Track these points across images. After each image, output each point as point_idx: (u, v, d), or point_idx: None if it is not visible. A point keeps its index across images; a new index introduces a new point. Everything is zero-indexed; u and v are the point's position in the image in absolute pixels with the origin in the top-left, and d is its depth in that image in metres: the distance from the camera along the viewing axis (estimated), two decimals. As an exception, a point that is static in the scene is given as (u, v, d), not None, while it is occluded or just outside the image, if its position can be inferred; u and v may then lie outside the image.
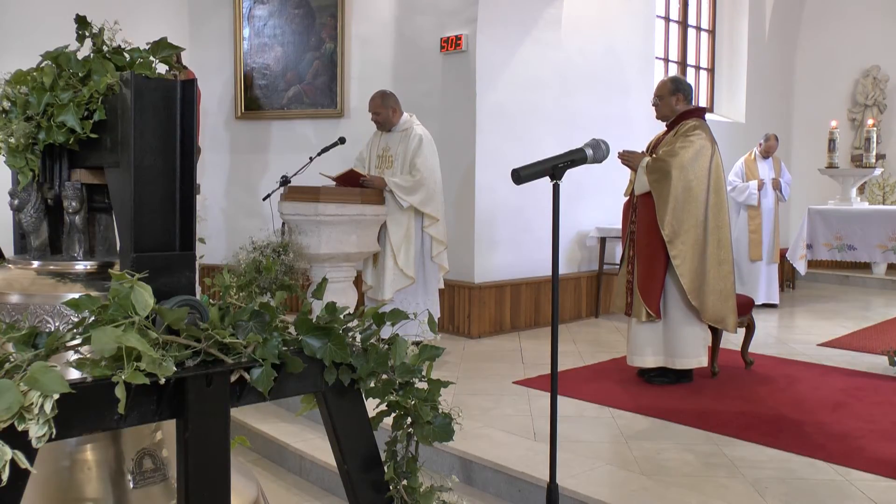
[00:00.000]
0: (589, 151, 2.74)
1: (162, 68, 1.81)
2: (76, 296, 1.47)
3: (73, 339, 1.41)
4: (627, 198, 4.91)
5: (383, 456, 1.79)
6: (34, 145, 1.76)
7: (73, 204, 1.80)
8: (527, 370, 5.12)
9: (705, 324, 4.66)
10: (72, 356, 1.42)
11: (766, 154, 7.78)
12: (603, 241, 7.22)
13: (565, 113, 6.93)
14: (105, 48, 1.77)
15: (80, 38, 1.78)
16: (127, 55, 1.77)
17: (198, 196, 1.77)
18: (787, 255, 8.12)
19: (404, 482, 1.79)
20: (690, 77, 9.58)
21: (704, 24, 9.89)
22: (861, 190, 9.67)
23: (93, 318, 1.41)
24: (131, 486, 1.68)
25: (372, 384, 1.73)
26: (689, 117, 4.71)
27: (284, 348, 1.59)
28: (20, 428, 1.25)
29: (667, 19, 9.26)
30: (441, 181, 5.31)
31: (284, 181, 5.26)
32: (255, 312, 1.58)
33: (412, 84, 6.54)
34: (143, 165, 1.59)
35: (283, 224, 5.20)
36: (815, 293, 8.93)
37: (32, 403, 1.25)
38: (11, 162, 1.78)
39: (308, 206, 4.79)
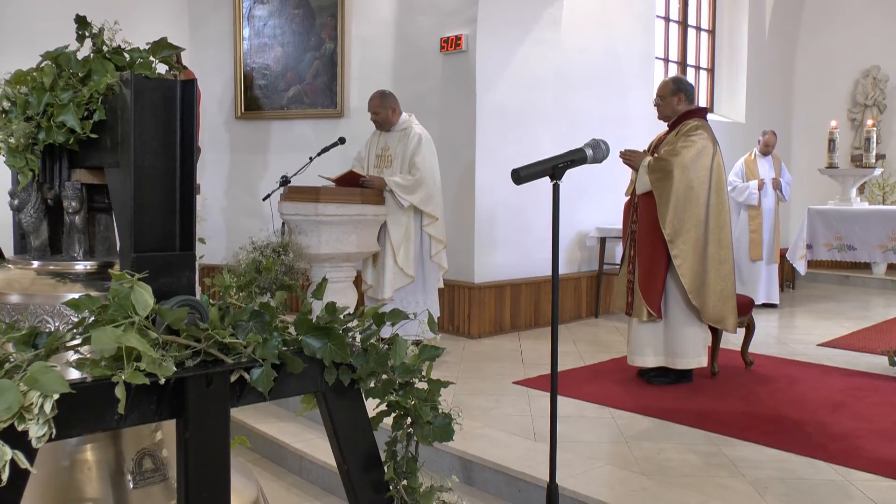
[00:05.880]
0: (589, 151, 2.74)
1: (162, 68, 1.80)
2: (76, 296, 1.47)
3: (73, 339, 1.41)
4: (628, 197, 4.91)
5: (383, 456, 1.79)
6: (34, 145, 1.76)
7: (73, 204, 1.80)
8: (527, 370, 5.12)
9: (705, 324, 4.67)
10: (72, 356, 1.42)
11: (766, 151, 7.78)
12: (603, 241, 7.21)
13: (565, 113, 6.93)
14: (105, 48, 1.76)
15: (80, 39, 1.78)
16: (127, 55, 1.77)
17: (198, 196, 1.77)
18: (787, 256, 8.12)
19: (404, 482, 1.79)
20: (690, 77, 9.58)
21: (704, 24, 9.88)
22: (861, 190, 9.67)
23: (93, 318, 1.41)
24: (131, 486, 1.68)
25: (372, 384, 1.73)
26: (690, 117, 4.71)
27: (284, 348, 1.59)
28: (20, 428, 1.25)
29: (667, 19, 9.26)
30: (440, 181, 5.32)
31: (284, 181, 5.27)
32: (255, 312, 1.58)
33: (412, 84, 6.54)
34: (143, 165, 1.58)
35: (283, 224, 5.20)
36: (815, 293, 8.93)
37: (32, 403, 1.25)
38: (11, 162, 1.78)
39: (308, 206, 4.79)
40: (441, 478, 1.93)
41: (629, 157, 4.75)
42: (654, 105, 4.87)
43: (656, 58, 8.65)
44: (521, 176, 2.66)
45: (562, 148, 2.99)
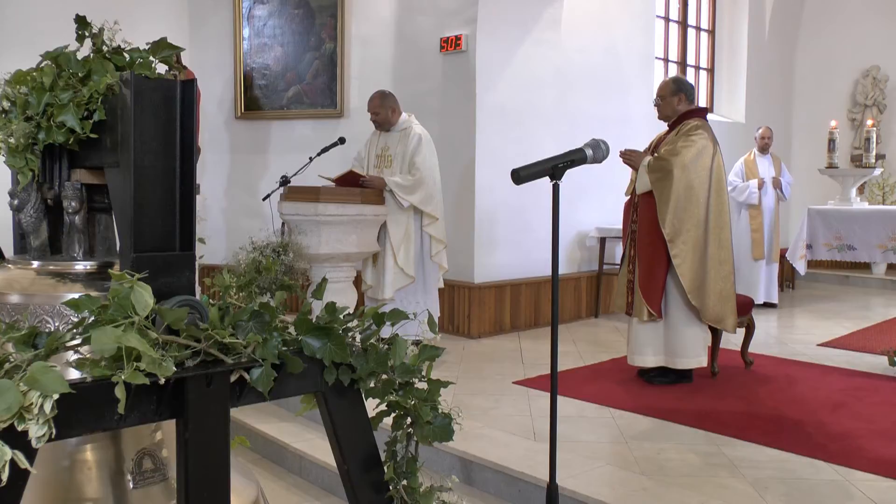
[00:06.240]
0: (589, 151, 2.74)
1: (162, 68, 1.80)
2: (76, 296, 1.47)
3: (73, 339, 1.41)
4: (628, 197, 4.91)
5: (383, 456, 1.79)
6: (34, 145, 1.76)
7: (73, 204, 1.80)
8: (527, 370, 5.12)
9: (705, 324, 4.67)
10: (72, 356, 1.42)
11: (763, 145, 7.78)
12: (603, 241, 7.21)
13: (565, 113, 6.93)
14: (105, 48, 1.77)
15: (80, 38, 1.78)
16: (127, 55, 1.77)
17: (198, 196, 1.77)
18: (786, 256, 8.12)
19: (404, 482, 1.79)
20: (690, 77, 9.57)
21: (704, 24, 9.88)
22: (861, 190, 9.67)
23: (93, 318, 1.41)
24: (131, 486, 1.68)
25: (372, 384, 1.73)
26: (691, 117, 4.71)
27: (284, 348, 1.59)
28: (20, 428, 1.25)
29: (667, 19, 9.26)
30: (440, 181, 5.32)
31: (284, 181, 5.27)
32: (255, 312, 1.58)
33: (412, 84, 6.54)
34: (143, 165, 1.59)
35: (283, 224, 5.20)
36: (815, 293, 8.93)
37: (32, 403, 1.25)
38: (11, 162, 1.78)
39: (308, 206, 4.79)
40: (441, 478, 1.93)
41: (629, 157, 4.75)
42: (655, 105, 4.87)
43: (656, 58, 8.65)
44: (521, 176, 2.66)
45: (562, 148, 2.99)
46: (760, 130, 7.83)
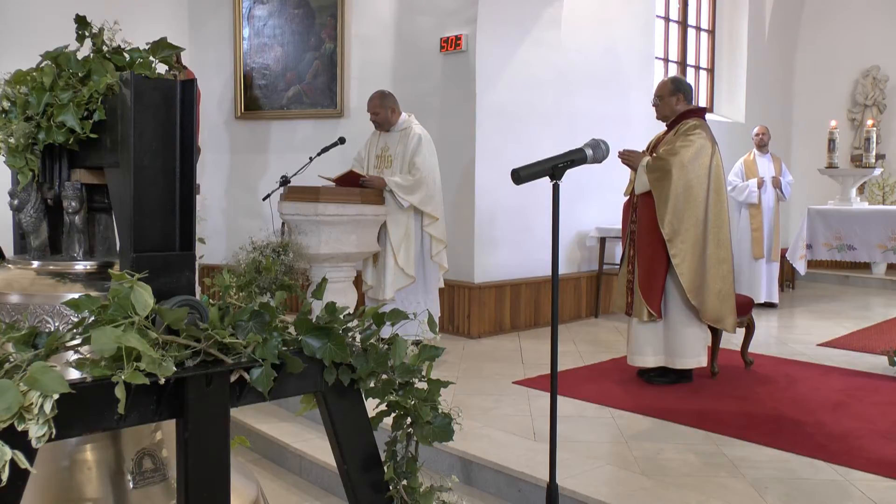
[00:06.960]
0: (588, 151, 2.74)
1: (162, 68, 1.81)
2: (76, 296, 1.47)
3: (72, 339, 1.41)
4: (628, 197, 4.92)
5: (383, 456, 1.79)
6: (34, 145, 1.76)
7: (73, 204, 1.80)
8: (527, 370, 5.12)
9: (705, 324, 4.67)
10: (72, 356, 1.42)
11: (761, 143, 7.79)
12: (603, 241, 7.22)
13: (565, 113, 6.93)
14: (105, 48, 1.77)
15: (80, 38, 1.78)
16: (127, 55, 1.77)
17: (198, 196, 1.77)
18: (786, 255, 8.13)
19: (404, 482, 1.79)
20: (690, 77, 9.58)
21: (704, 24, 9.88)
22: (861, 190, 9.67)
23: (93, 318, 1.41)
24: (131, 486, 1.68)
25: (372, 384, 1.73)
26: (689, 117, 4.71)
27: (284, 348, 1.59)
28: (20, 428, 1.25)
29: (667, 19, 9.26)
30: (440, 180, 5.32)
31: (284, 181, 5.27)
32: (254, 312, 1.58)
33: (412, 84, 6.54)
34: (142, 165, 1.59)
35: (283, 224, 5.20)
36: (815, 293, 8.93)
37: (32, 403, 1.25)
38: (11, 162, 1.78)
39: (308, 206, 4.80)
40: (441, 478, 1.93)
41: (628, 157, 4.75)
42: (653, 105, 4.87)
43: (656, 58, 8.64)
44: (521, 176, 2.66)
45: (562, 148, 2.99)
46: (757, 129, 7.86)
